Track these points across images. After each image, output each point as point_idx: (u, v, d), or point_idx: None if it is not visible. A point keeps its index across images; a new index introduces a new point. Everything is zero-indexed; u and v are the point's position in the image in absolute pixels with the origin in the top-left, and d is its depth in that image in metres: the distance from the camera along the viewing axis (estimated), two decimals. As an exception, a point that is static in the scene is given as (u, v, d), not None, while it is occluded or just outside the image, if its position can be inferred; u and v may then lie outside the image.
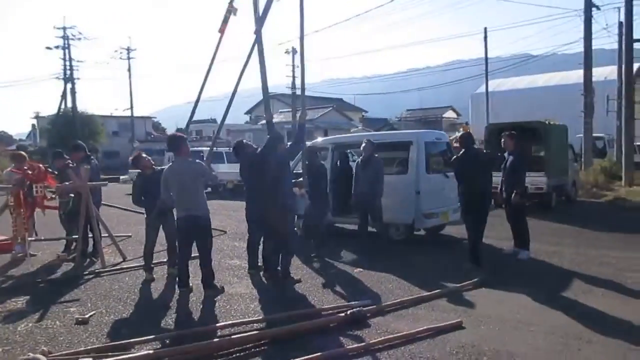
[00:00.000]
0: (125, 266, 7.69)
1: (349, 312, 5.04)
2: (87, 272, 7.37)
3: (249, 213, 6.98)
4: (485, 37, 27.25)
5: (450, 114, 62.46)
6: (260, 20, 7.03)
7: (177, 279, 6.21)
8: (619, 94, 25.14)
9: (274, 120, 44.62)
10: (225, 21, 7.44)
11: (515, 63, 32.63)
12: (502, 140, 8.06)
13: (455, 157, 7.58)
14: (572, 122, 16.57)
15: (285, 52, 37.72)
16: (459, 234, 9.90)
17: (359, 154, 9.11)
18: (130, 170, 25.34)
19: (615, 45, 26.01)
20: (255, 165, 6.68)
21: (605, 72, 35.31)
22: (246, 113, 60.48)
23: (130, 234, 10.24)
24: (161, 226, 7.00)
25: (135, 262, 7.83)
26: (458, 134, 9.19)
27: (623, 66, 18.33)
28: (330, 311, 5.31)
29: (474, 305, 5.50)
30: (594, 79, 35.08)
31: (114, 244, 8.23)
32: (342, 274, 7.09)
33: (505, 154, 8.05)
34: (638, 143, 21.18)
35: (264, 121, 41.85)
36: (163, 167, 7.13)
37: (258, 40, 7.01)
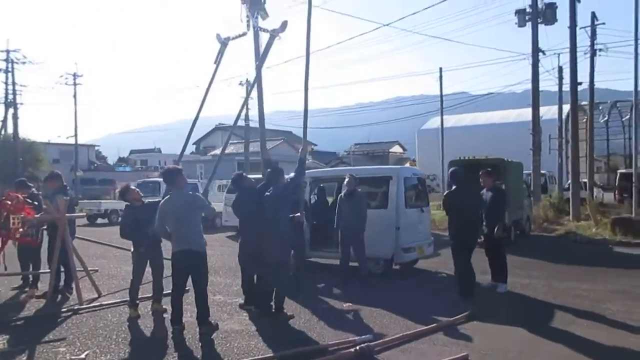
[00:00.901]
0: (104, 302, 7.34)
1: (358, 348, 5.05)
2: (64, 309, 6.99)
3: (244, 248, 6.89)
4: (441, 77, 28.66)
5: (396, 149, 64.26)
6: (261, 58, 7.14)
7: (170, 315, 6.00)
8: (559, 133, 26.86)
9: (225, 151, 43.66)
10: (220, 53, 7.51)
11: (463, 102, 34.07)
12: (480, 177, 8.41)
13: (447, 191, 7.83)
14: (515, 158, 17.26)
15: (239, 84, 37.79)
16: (432, 267, 10.17)
17: (338, 188, 9.25)
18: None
19: (556, 88, 27.97)
20: (254, 199, 6.65)
21: (546, 112, 37.77)
22: (194, 143, 59.68)
23: (97, 268, 9.80)
24: (148, 261, 6.78)
25: (113, 298, 7.52)
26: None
27: (567, 106, 19.58)
28: (336, 347, 5.29)
29: (472, 338, 5.63)
30: (544, 117, 37.26)
31: (89, 279, 7.86)
32: (332, 309, 7.08)
33: (484, 191, 8.39)
34: (583, 180, 22.51)
35: (214, 152, 41.37)
36: (153, 200, 6.97)
37: (258, 79, 7.10)
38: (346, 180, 8.55)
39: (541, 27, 19.18)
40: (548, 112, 39.46)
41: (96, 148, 62.63)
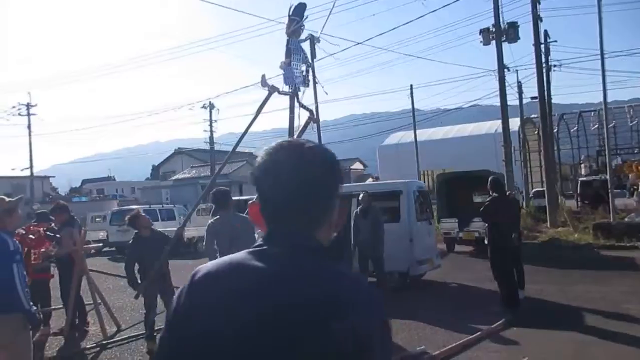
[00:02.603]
0: (131, 335, 7.04)
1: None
2: (91, 346, 6.66)
3: None
4: (412, 93, 29.39)
5: (357, 166, 65.05)
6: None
7: None
8: (522, 144, 27.95)
9: (186, 175, 43.50)
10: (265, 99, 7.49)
11: (429, 117, 34.98)
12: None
13: (487, 200, 7.94)
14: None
15: (203, 107, 37.48)
16: (439, 278, 10.31)
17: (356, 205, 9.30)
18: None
19: (515, 102, 29.22)
20: None
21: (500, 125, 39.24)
22: (157, 168, 58.42)
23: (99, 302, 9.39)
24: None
25: (135, 330, 7.23)
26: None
27: (539, 120, 20.30)
28: (399, 361, 5.29)
29: (521, 344, 5.76)
30: (498, 130, 38.34)
31: (108, 312, 7.53)
32: None
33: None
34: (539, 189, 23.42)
35: (175, 177, 40.34)
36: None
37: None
38: (360, 196, 8.62)
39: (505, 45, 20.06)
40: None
41: (52, 179, 60.32)
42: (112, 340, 6.80)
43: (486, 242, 7.92)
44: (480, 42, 20.41)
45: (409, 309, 7.61)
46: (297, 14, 7.58)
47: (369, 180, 49.12)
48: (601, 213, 16.83)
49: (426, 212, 10.15)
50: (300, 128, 7.88)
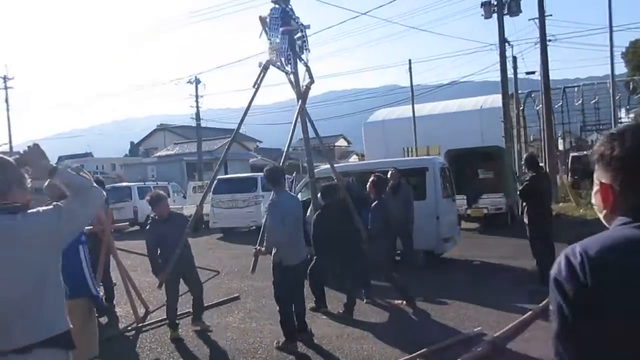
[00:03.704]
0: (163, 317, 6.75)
1: (490, 342, 4.93)
2: (126, 328, 6.38)
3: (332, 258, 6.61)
4: (410, 68, 29.19)
5: (341, 142, 64.82)
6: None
7: (286, 335, 5.35)
8: (517, 120, 27.96)
9: (169, 152, 42.64)
10: (259, 78, 7.04)
11: (418, 93, 34.63)
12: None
13: (527, 179, 7.75)
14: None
15: (188, 82, 36.58)
16: (458, 256, 10.21)
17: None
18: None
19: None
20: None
21: (484, 100, 39.53)
22: (137, 145, 57.27)
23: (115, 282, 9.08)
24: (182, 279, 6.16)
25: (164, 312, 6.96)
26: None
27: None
28: (460, 342, 5.15)
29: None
30: (483, 106, 38.27)
31: (137, 293, 7.19)
32: (418, 311, 6.77)
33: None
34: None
35: (158, 153, 39.58)
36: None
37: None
38: (390, 173, 8.39)
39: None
40: (486, 100, 41.33)
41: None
42: (146, 323, 6.51)
43: (525, 221, 7.75)
44: (482, 15, 20.19)
45: (445, 288, 7.50)
46: None
47: (354, 158, 49.08)
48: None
49: (448, 190, 9.99)
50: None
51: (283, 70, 7.21)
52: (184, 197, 21.81)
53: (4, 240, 1.97)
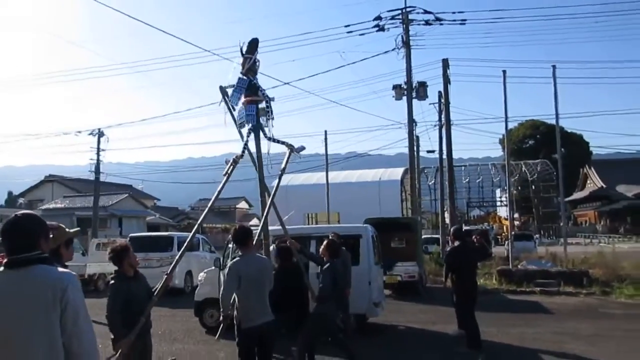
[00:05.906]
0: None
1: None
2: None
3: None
4: (326, 138, 30.70)
5: (243, 205, 64.51)
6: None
7: None
8: (412, 190, 29.86)
9: (58, 205, 40.12)
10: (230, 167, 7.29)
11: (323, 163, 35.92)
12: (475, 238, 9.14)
13: (451, 248, 8.44)
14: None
15: (90, 135, 34.96)
16: (382, 321, 10.61)
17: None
18: None
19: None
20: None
21: (382, 173, 42.27)
22: (19, 196, 52.68)
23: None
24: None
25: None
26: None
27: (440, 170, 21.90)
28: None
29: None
30: (382, 178, 40.40)
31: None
32: None
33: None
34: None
35: (45, 206, 36.92)
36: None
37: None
38: (330, 237, 8.72)
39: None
40: (384, 173, 44.02)
41: None
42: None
43: (449, 285, 8.41)
44: (393, 97, 21.94)
45: (381, 355, 7.80)
46: (250, 52, 7.21)
47: (254, 221, 48.87)
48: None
49: (377, 256, 10.51)
50: (285, 162, 7.81)
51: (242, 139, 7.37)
52: (83, 254, 20.39)
53: None
